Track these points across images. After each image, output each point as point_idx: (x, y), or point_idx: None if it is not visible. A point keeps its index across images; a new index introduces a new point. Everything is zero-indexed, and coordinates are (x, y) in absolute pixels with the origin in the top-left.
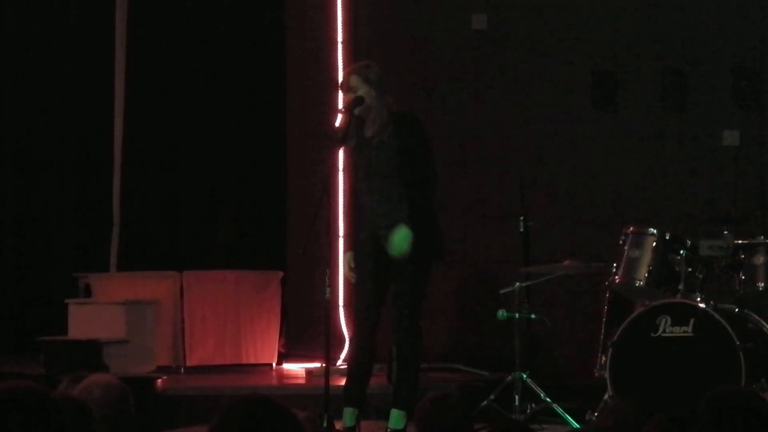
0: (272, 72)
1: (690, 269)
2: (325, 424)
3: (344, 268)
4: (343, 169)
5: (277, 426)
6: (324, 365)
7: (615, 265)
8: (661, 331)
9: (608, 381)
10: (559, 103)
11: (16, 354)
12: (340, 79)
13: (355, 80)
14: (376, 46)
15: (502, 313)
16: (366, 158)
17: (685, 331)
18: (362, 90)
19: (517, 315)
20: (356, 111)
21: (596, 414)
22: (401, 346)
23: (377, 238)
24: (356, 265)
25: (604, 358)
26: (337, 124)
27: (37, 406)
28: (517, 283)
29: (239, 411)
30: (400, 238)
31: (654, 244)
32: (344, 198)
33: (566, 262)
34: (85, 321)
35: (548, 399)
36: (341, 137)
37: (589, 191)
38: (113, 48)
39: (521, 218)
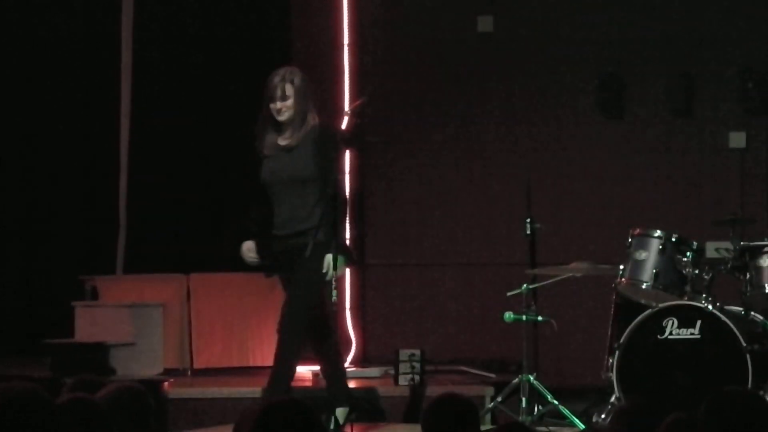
0: None
1: (696, 271)
2: (331, 426)
3: (246, 255)
4: (349, 171)
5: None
6: None
7: (621, 267)
8: (667, 333)
9: (615, 383)
10: (565, 106)
11: (23, 356)
12: (279, 86)
13: (289, 89)
14: (382, 48)
15: (509, 316)
16: (281, 164)
17: (691, 333)
18: (292, 98)
19: (524, 317)
20: (283, 117)
21: (603, 416)
22: (283, 344)
23: (287, 243)
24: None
25: (611, 360)
26: (344, 126)
27: (34, 408)
28: (524, 285)
29: (276, 414)
30: (337, 265)
31: (660, 246)
32: (350, 200)
33: (573, 264)
34: (92, 323)
35: (555, 401)
36: (347, 139)
37: (595, 193)
38: (119, 50)
39: (528, 220)
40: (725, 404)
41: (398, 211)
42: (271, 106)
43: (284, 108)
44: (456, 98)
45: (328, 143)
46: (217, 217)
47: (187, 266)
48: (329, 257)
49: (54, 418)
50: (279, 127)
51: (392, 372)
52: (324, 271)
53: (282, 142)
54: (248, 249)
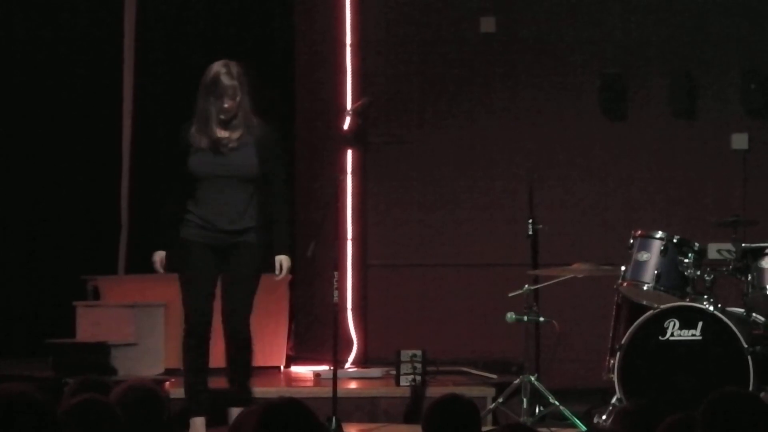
0: (281, 74)
1: (698, 272)
2: (333, 426)
3: (157, 264)
4: (351, 171)
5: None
6: (332, 368)
7: (623, 268)
8: (669, 334)
9: (617, 384)
10: (567, 106)
11: (25, 356)
12: (231, 85)
13: (237, 86)
14: (384, 48)
15: (510, 316)
16: (225, 159)
17: (693, 335)
18: (239, 95)
19: (525, 318)
20: (230, 114)
21: (604, 417)
22: (239, 347)
23: (214, 237)
24: (186, 263)
25: (612, 361)
26: (346, 126)
27: (30, 409)
28: (526, 286)
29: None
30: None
31: (662, 247)
32: (352, 200)
33: (575, 265)
34: (93, 323)
35: (556, 402)
36: (349, 139)
37: (597, 194)
38: (122, 51)
39: (530, 221)
40: (723, 405)
41: (400, 211)
42: (221, 105)
43: (233, 105)
44: (458, 99)
45: (275, 142)
46: None
47: None
48: (282, 259)
49: (50, 420)
50: (220, 122)
51: (393, 373)
52: (277, 273)
53: (224, 136)
54: (161, 261)
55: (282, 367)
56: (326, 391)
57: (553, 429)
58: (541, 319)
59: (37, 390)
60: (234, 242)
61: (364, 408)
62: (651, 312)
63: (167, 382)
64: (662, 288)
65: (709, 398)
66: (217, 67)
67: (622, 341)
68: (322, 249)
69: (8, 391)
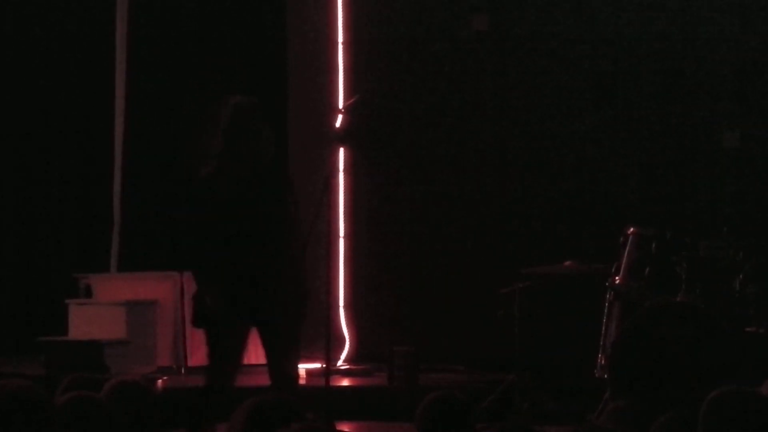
0: (273, 72)
1: (690, 270)
2: (325, 425)
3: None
4: (343, 169)
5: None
6: (324, 366)
7: (615, 265)
8: (661, 331)
9: (608, 381)
10: (560, 104)
11: (17, 354)
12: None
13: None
14: (376, 47)
15: (502, 314)
16: (246, 204)
17: (685, 332)
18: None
19: (517, 315)
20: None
21: (596, 414)
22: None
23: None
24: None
25: (604, 359)
26: (338, 124)
27: (30, 405)
28: (518, 284)
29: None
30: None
31: (654, 244)
32: (344, 198)
33: (567, 263)
34: (86, 321)
35: (549, 399)
36: (341, 137)
37: (589, 192)
38: (114, 49)
39: (523, 218)
40: (725, 403)
41: (392, 209)
42: (251, 145)
43: (261, 145)
44: (450, 96)
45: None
46: None
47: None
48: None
49: (49, 415)
50: (247, 164)
51: (386, 370)
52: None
53: (250, 178)
54: None
55: None
56: (318, 389)
57: (545, 427)
58: (533, 316)
59: (35, 387)
60: (263, 283)
61: (357, 406)
62: (642, 309)
63: (159, 380)
64: (654, 285)
65: (711, 396)
66: (238, 104)
67: (614, 339)
68: (314, 247)
69: (7, 387)
